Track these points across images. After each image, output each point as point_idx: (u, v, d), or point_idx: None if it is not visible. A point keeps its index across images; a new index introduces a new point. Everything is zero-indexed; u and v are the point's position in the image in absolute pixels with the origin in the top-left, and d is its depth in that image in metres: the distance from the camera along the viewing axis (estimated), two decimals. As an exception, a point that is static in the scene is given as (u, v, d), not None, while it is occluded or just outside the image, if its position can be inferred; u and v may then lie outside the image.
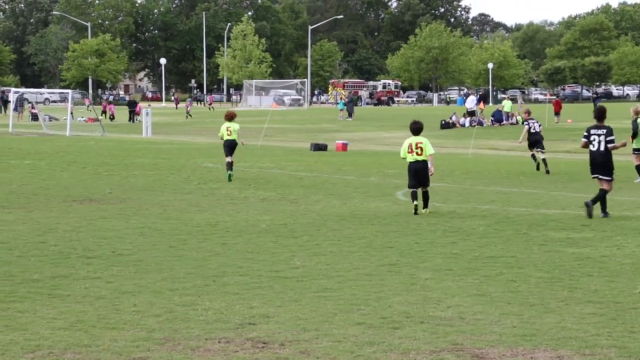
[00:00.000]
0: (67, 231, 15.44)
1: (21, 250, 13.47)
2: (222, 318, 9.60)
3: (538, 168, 28.20)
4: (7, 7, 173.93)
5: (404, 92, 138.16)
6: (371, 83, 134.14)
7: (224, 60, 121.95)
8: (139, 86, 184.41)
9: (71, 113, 53.75)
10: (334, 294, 10.82)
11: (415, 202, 18.12)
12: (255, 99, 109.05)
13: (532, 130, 28.51)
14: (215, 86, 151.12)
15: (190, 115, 78.38)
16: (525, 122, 29.27)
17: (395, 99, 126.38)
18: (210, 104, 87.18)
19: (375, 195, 21.94)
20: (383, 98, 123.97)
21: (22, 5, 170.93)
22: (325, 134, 52.27)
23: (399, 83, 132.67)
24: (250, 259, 13.11)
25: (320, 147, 39.67)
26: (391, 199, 21.14)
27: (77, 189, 22.42)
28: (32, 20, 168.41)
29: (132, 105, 79.33)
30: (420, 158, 18.44)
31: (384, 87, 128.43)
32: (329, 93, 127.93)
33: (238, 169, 29.04)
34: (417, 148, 18.47)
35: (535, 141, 28.59)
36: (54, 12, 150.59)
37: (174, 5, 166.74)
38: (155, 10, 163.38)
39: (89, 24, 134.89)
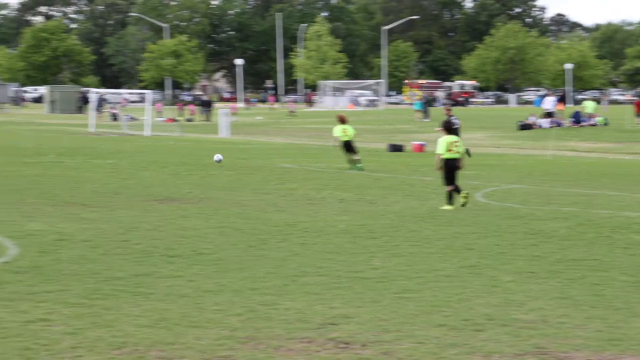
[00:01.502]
0: (148, 230, 15.63)
1: (105, 249, 13.67)
2: (303, 318, 9.64)
3: None
4: (87, 9, 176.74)
5: (481, 93, 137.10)
6: (447, 84, 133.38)
7: (299, 60, 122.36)
8: (216, 87, 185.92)
9: (160, 112, 54.58)
10: (414, 295, 10.79)
11: (463, 193, 19.22)
12: (330, 99, 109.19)
13: None
14: (291, 87, 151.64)
15: (293, 113, 79.79)
16: None
17: (472, 99, 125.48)
18: (292, 111, 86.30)
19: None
20: (459, 99, 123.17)
21: (102, 7, 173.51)
22: (401, 135, 52.15)
23: (476, 84, 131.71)
24: (329, 260, 13.13)
25: (396, 148, 39.59)
26: (470, 200, 20.99)
27: (157, 188, 22.69)
28: (110, 22, 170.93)
29: (207, 105, 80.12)
30: (457, 155, 19.42)
31: (461, 87, 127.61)
32: (404, 94, 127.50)
33: (315, 169, 29.14)
34: (454, 146, 19.38)
35: None
36: (132, 14, 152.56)
37: (248, 6, 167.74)
38: (231, 11, 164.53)
39: (165, 26, 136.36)
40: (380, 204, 20.01)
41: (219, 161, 26.61)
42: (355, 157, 29.38)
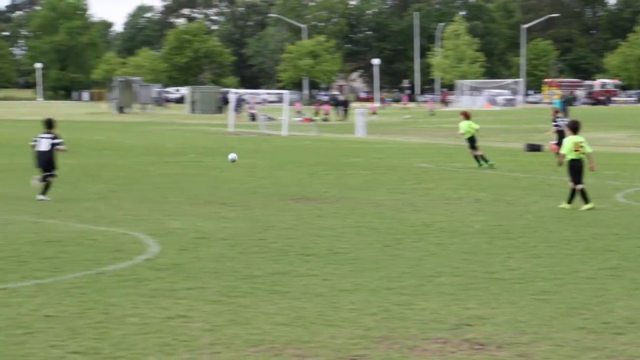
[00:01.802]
0: (285, 229, 15.79)
1: (243, 247, 13.87)
2: (438, 318, 9.59)
3: None
4: (227, 10, 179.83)
5: (624, 92, 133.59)
6: (588, 82, 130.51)
7: (436, 60, 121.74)
8: (353, 86, 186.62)
9: (299, 112, 55.01)
10: (552, 297, 10.61)
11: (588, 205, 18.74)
12: (467, 99, 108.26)
13: None
14: (428, 86, 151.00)
15: (432, 112, 79.96)
16: None
17: (614, 98, 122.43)
18: (431, 110, 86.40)
19: (593, 196, 21.33)
20: (601, 98, 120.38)
21: (242, 9, 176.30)
22: (539, 135, 51.29)
23: (618, 82, 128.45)
24: (465, 260, 13.02)
25: (534, 148, 38.97)
26: (610, 201, 20.53)
27: (293, 187, 22.91)
28: (250, 23, 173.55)
29: (344, 104, 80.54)
30: (582, 156, 19.06)
31: (602, 86, 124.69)
32: (543, 93, 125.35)
33: (452, 169, 28.95)
34: (579, 147, 19.01)
35: None
36: (271, 15, 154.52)
37: (386, 6, 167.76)
38: (368, 11, 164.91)
39: (304, 26, 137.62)
40: (518, 204, 19.74)
41: (234, 160, 26.76)
42: (479, 152, 29.61)
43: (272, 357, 8.18)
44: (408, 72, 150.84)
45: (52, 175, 19.66)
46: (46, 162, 19.60)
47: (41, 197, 19.33)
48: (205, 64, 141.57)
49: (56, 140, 19.78)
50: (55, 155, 19.82)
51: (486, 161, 29.36)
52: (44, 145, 19.74)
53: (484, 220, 17.07)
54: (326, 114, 76.71)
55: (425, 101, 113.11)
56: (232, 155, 27.00)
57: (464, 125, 29.77)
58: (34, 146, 19.95)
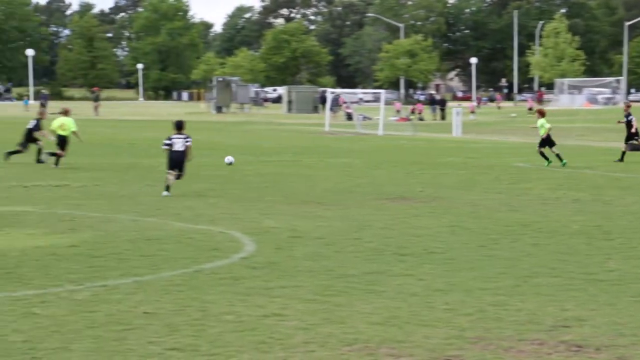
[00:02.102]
0: (380, 228, 15.80)
1: (338, 246, 13.93)
2: (534, 319, 9.49)
3: None
4: (325, 10, 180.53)
5: None
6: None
7: (535, 58, 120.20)
8: (450, 86, 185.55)
9: (398, 111, 54.65)
10: (652, 300, 10.42)
11: None
12: (567, 97, 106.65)
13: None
14: (526, 85, 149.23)
15: (532, 111, 79.17)
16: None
17: None
18: (530, 109, 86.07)
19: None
20: None
21: (339, 9, 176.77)
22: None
23: None
24: (562, 261, 12.86)
25: (636, 148, 38.16)
26: None
27: (389, 187, 22.89)
28: (347, 23, 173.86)
29: (442, 104, 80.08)
30: None
31: None
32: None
33: (550, 169, 28.61)
34: None
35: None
36: (369, 15, 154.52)
37: (485, 4, 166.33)
38: (467, 10, 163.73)
39: (401, 25, 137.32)
40: (618, 205, 19.39)
41: (230, 163, 26.96)
42: (556, 150, 29.47)
43: (366, 356, 8.20)
44: (506, 71, 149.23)
45: (181, 175, 20.69)
46: (180, 161, 20.67)
47: (165, 193, 20.34)
48: (302, 63, 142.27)
49: (188, 140, 20.78)
50: (187, 154, 20.75)
51: (561, 160, 29.15)
52: (178, 145, 20.71)
53: (582, 221, 16.82)
54: (419, 113, 76.29)
55: (525, 100, 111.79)
56: (228, 158, 27.27)
57: (542, 123, 29.75)
58: (167, 148, 20.76)
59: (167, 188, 20.49)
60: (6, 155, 28.59)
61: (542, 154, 29.52)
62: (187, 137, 20.85)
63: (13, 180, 23.06)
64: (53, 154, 27.58)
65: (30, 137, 28.89)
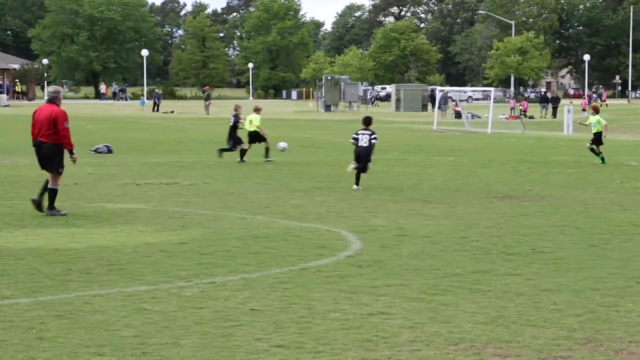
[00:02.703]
0: (487, 227, 15.67)
1: (444, 245, 13.87)
2: (646, 321, 9.32)
3: None
4: (435, 8, 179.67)
5: None
6: None
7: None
8: (561, 83, 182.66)
9: (512, 108, 53.24)
10: None
11: None
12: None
13: None
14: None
15: None
16: None
17: None
18: None
19: None
20: None
21: (450, 6, 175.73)
22: None
23: None
24: (676, 262, 12.57)
25: None
26: None
27: (497, 185, 22.68)
28: (458, 20, 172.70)
29: (555, 101, 78.92)
30: None
31: None
32: None
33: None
34: None
35: None
36: (480, 12, 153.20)
37: (600, 1, 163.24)
38: (581, 6, 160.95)
39: (512, 22, 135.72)
40: None
41: (283, 150, 27.05)
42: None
43: (472, 355, 8.16)
44: (620, 67, 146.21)
45: (366, 169, 21.82)
46: (365, 155, 21.72)
47: (355, 187, 21.51)
48: (411, 61, 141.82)
49: (373, 137, 21.87)
50: (372, 150, 21.87)
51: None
52: (364, 140, 21.84)
53: (697, 221, 16.40)
54: (524, 111, 75.08)
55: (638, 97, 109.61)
56: (281, 145, 27.46)
57: (595, 120, 29.73)
58: (354, 142, 21.93)
59: (357, 182, 21.59)
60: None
61: (593, 150, 29.46)
62: (373, 134, 21.93)
63: (127, 179, 23.57)
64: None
65: (234, 135, 29.70)
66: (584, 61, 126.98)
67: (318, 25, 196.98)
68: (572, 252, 13.27)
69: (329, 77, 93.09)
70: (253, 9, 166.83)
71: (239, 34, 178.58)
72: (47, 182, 16.90)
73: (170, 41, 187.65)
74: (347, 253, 13.15)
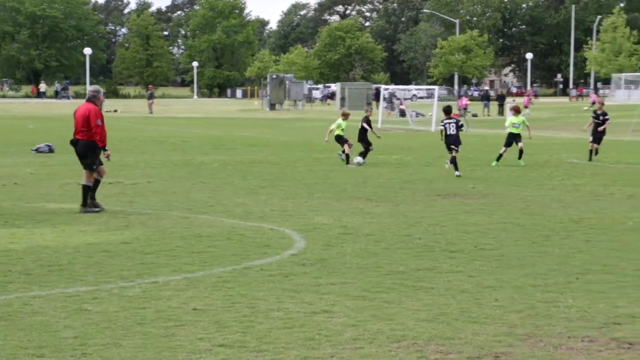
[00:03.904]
0: (430, 225, 15.76)
1: (388, 243, 13.92)
2: (585, 316, 9.42)
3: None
4: (380, 7, 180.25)
5: None
6: None
7: (591, 53, 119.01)
8: (504, 81, 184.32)
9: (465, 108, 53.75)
10: None
11: None
12: (623, 93, 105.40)
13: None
14: (582, 80, 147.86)
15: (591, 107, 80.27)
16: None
17: None
18: (593, 102, 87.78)
19: None
20: None
21: (395, 5, 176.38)
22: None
23: None
24: (615, 257, 12.74)
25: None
26: None
27: (440, 183, 22.81)
28: (403, 19, 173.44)
29: (500, 99, 79.58)
30: None
31: None
32: None
33: (604, 164, 28.32)
34: None
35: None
36: (424, 10, 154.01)
37: (542, 0, 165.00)
38: (524, 5, 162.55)
39: (457, 21, 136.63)
40: (674, 201, 19.16)
41: (358, 164, 27.38)
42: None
43: (415, 353, 8.19)
44: (562, 66, 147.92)
45: (458, 151, 24.71)
46: (455, 141, 24.71)
47: (457, 173, 24.22)
48: (356, 60, 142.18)
49: (460, 124, 25.16)
50: (459, 136, 24.91)
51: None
52: (452, 129, 24.85)
53: (637, 217, 16.64)
54: (464, 108, 75.42)
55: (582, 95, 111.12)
56: (357, 159, 27.67)
57: (518, 120, 29.35)
58: (443, 130, 25.01)
59: (456, 168, 24.33)
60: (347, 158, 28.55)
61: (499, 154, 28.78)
62: (458, 121, 25.15)
63: (68, 178, 23.34)
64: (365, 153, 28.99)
65: (365, 137, 29.41)
66: (526, 60, 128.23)
67: (263, 23, 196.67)
68: (514, 249, 13.39)
69: (274, 76, 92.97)
70: (198, 8, 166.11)
71: (183, 32, 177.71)
72: (97, 181, 17.54)
73: (113, 39, 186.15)
74: (290, 252, 13.14)
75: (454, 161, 24.48)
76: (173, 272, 11.71)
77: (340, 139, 28.70)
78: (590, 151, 29.82)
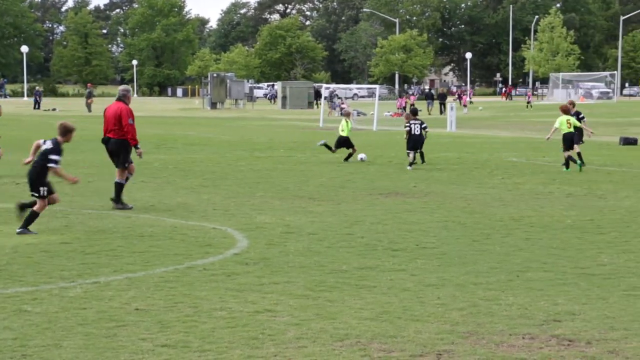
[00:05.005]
0: (373, 223, 15.81)
1: (330, 241, 13.94)
2: (526, 314, 9.51)
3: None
4: (321, 6, 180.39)
5: None
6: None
7: (530, 53, 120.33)
8: (444, 80, 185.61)
9: (412, 104, 54.16)
10: (644, 293, 10.45)
11: None
12: (561, 92, 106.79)
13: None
14: (520, 80, 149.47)
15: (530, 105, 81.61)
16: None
17: None
18: (528, 102, 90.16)
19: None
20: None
21: (335, 4, 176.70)
22: (635, 128, 50.38)
23: None
24: (555, 255, 12.89)
25: (630, 141, 38.28)
26: None
27: (382, 182, 22.91)
28: (343, 18, 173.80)
29: (442, 98, 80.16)
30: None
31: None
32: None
33: (543, 163, 28.63)
34: None
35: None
36: (365, 10, 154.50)
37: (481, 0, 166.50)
38: (463, 5, 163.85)
39: (397, 20, 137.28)
40: (610, 199, 19.44)
41: (362, 159, 28.08)
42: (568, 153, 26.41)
43: (358, 351, 8.21)
44: (501, 65, 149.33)
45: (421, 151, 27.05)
46: (419, 142, 26.76)
47: (409, 167, 26.08)
48: (297, 59, 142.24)
49: (424, 125, 27.11)
50: (422, 136, 26.88)
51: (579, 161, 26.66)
52: (417, 129, 26.65)
53: (575, 215, 16.85)
54: (403, 107, 75.94)
55: (521, 95, 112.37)
56: (362, 155, 28.16)
57: (562, 121, 26.86)
58: (408, 130, 26.63)
59: (410, 164, 26.21)
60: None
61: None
62: (423, 123, 27.10)
63: (5, 177, 23.03)
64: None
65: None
66: (466, 59, 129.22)
67: (203, 22, 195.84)
68: (455, 247, 13.49)
69: (215, 75, 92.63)
70: (137, 6, 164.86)
71: (122, 30, 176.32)
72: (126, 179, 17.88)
73: (51, 37, 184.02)
74: (233, 251, 13.10)
75: (413, 160, 26.56)
76: (114, 272, 11.60)
77: (347, 142, 29.45)
78: (569, 157, 26.40)
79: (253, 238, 14.16)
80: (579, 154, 26.29)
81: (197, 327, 8.94)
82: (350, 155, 29.20)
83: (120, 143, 17.91)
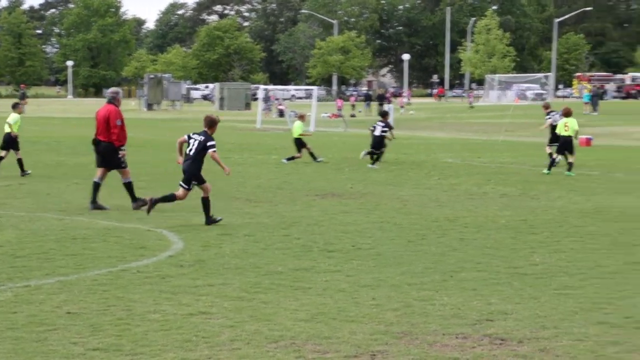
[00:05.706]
0: (309, 225, 15.82)
1: (266, 243, 13.91)
2: (459, 313, 9.58)
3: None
4: (259, 7, 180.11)
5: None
6: (619, 76, 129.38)
7: (466, 55, 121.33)
8: (382, 82, 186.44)
9: (353, 105, 53.93)
10: (575, 292, 10.58)
11: None
12: (496, 93, 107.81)
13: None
14: (457, 81, 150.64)
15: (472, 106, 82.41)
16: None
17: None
18: (470, 103, 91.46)
19: (621, 191, 21.25)
20: (632, 91, 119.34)
21: (273, 5, 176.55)
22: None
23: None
24: (488, 255, 13.00)
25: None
26: (637, 195, 20.39)
27: (319, 183, 22.92)
28: (281, 19, 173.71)
29: (381, 99, 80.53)
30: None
31: (633, 80, 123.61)
32: (574, 87, 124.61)
33: (479, 164, 28.87)
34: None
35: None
36: (303, 11, 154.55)
37: (418, 1, 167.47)
38: (400, 7, 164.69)
39: (335, 22, 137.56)
40: (543, 199, 19.67)
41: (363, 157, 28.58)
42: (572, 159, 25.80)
43: (292, 352, 8.20)
44: (438, 67, 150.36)
45: (381, 153, 28.12)
46: (377, 143, 28.06)
47: (371, 166, 27.32)
48: (235, 60, 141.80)
49: (386, 129, 28.31)
50: (383, 139, 28.15)
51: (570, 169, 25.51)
52: (377, 131, 28.16)
53: (509, 216, 17.02)
54: (339, 109, 76.09)
55: (457, 96, 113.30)
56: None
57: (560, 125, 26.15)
58: (371, 131, 28.33)
59: (373, 162, 27.57)
60: None
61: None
62: (386, 126, 28.32)
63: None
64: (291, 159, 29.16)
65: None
66: (403, 60, 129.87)
67: (140, 23, 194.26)
68: (391, 248, 13.54)
69: (152, 76, 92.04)
70: (72, 6, 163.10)
71: (57, 30, 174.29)
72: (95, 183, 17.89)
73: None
74: (168, 253, 13.01)
75: (370, 155, 28.05)
76: (46, 275, 11.45)
77: (301, 142, 29.63)
78: (550, 154, 26.61)
79: (188, 240, 14.07)
80: (569, 164, 25.55)
81: (130, 330, 8.86)
82: (293, 158, 29.23)
83: (109, 146, 17.97)
